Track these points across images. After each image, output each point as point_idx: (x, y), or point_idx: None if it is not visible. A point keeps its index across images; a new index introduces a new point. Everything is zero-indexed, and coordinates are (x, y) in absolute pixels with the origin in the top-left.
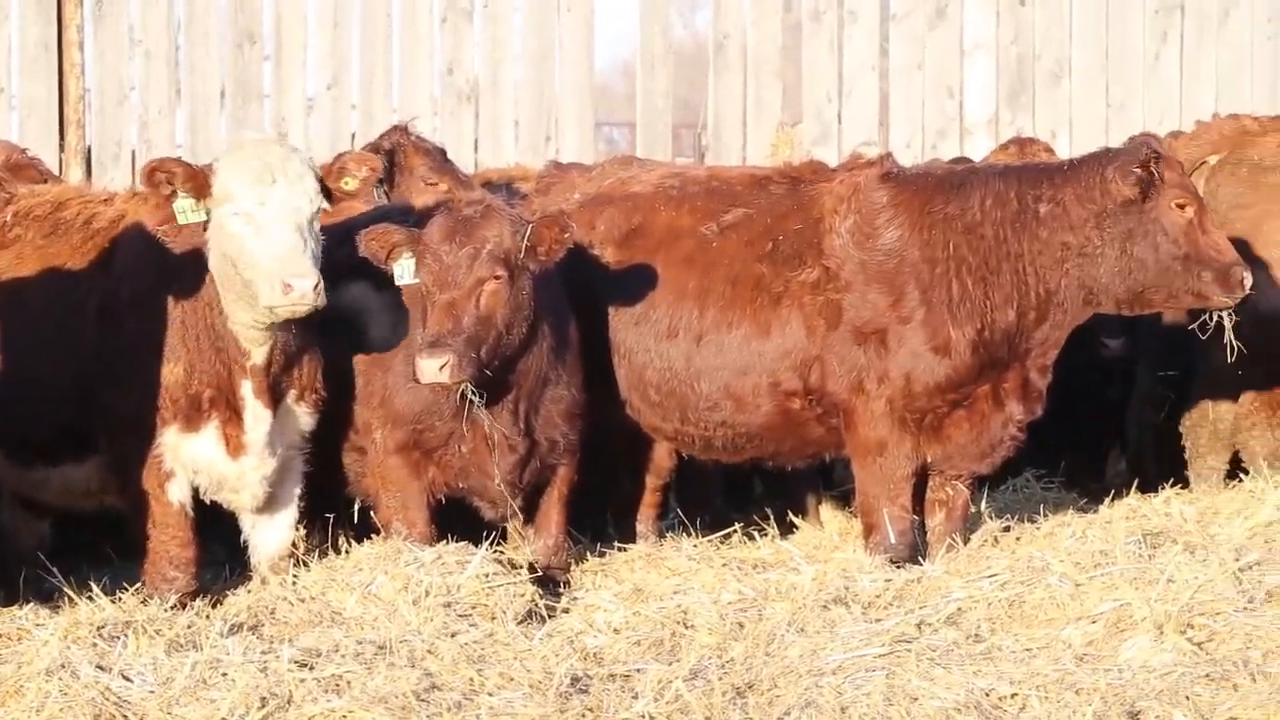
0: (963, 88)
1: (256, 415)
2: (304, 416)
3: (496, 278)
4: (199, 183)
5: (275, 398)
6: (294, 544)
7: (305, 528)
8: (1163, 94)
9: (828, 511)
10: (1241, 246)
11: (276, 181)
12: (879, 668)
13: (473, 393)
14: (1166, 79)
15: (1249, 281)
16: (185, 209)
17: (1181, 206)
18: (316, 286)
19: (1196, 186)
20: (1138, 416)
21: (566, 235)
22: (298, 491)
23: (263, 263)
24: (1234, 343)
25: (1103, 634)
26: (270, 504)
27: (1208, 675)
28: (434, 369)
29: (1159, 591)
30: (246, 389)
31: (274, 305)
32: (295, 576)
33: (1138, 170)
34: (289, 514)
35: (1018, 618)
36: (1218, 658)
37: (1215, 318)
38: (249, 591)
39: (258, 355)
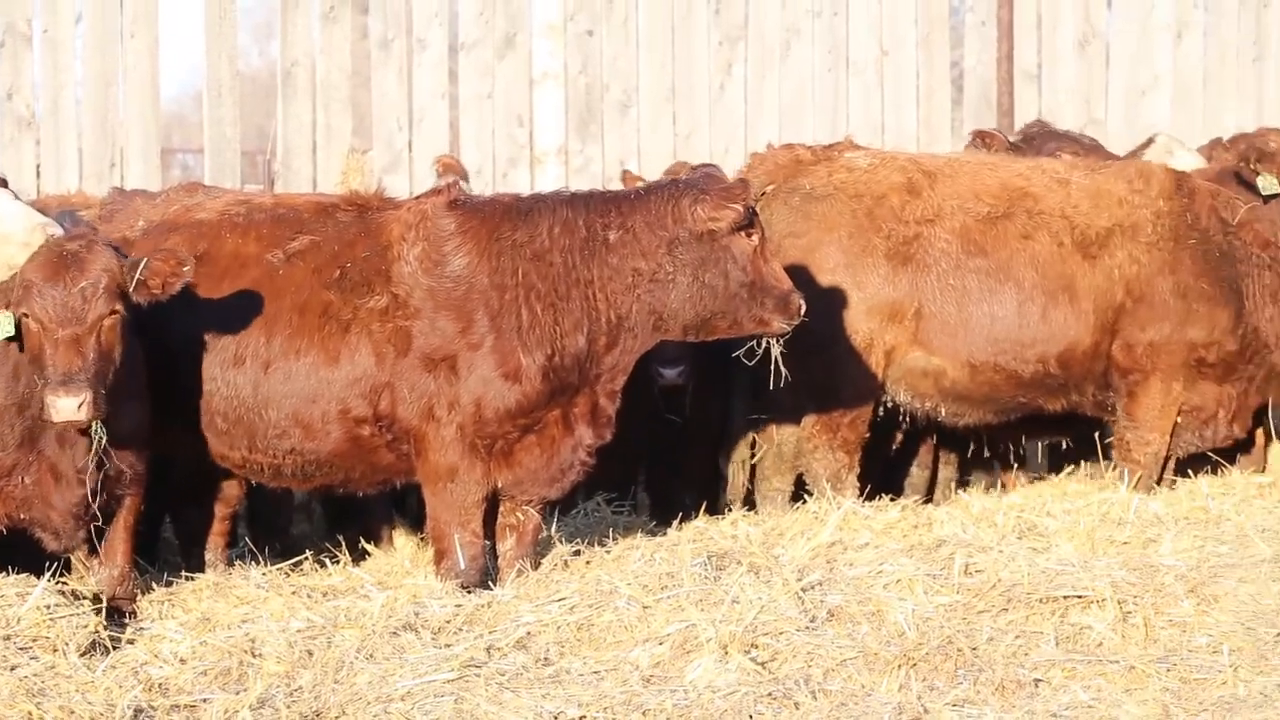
0: (532, 116)
1: None
2: None
3: (114, 312)
4: None
5: None
6: None
7: None
8: (728, 124)
9: (400, 537)
10: (796, 274)
11: None
12: (448, 693)
13: (100, 429)
14: (731, 109)
15: (804, 309)
16: None
17: (749, 235)
18: None
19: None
20: (728, 453)
21: (185, 269)
22: None
23: (19, 221)
24: (782, 369)
25: (669, 655)
26: None
27: (770, 694)
28: (72, 407)
29: (724, 612)
30: None
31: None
32: None
33: (738, 207)
34: None
35: (586, 640)
36: (780, 676)
37: (764, 344)
38: None
39: None
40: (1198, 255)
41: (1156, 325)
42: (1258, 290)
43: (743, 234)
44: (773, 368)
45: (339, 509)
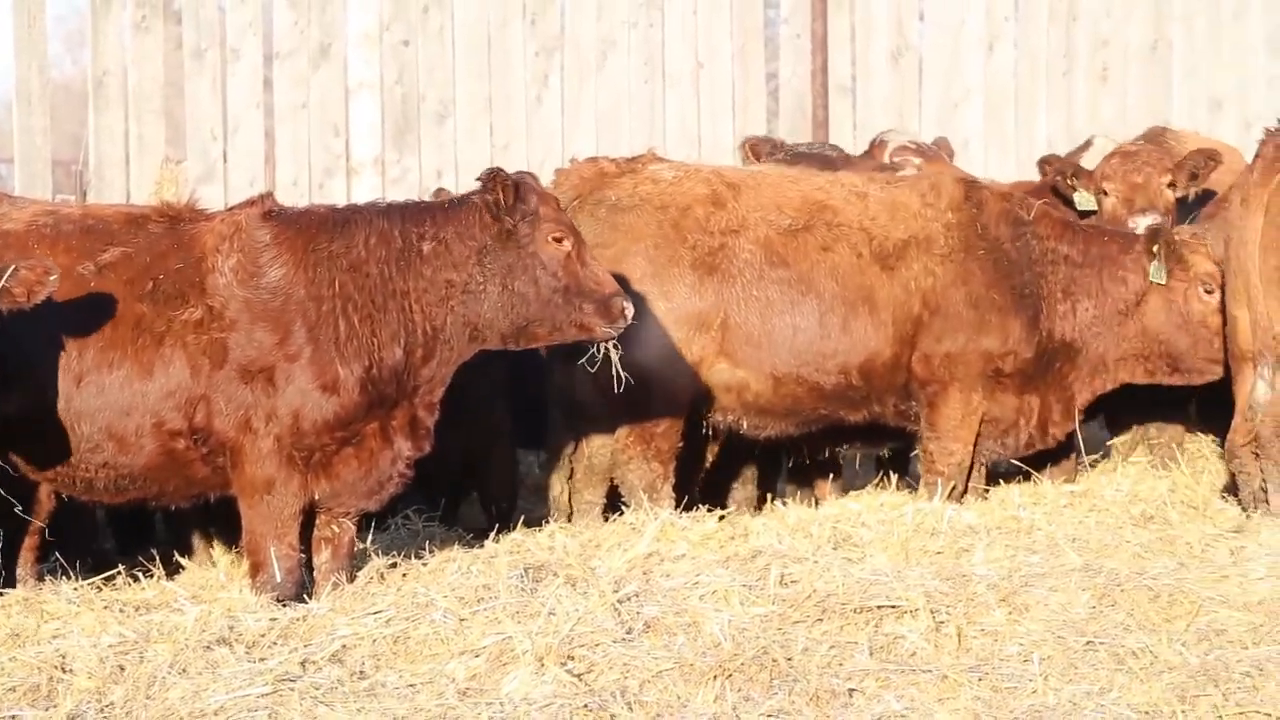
0: (348, 126)
1: None
2: None
3: None
4: None
5: None
6: None
7: None
8: (545, 134)
9: (217, 551)
10: None
11: None
12: (262, 707)
13: None
14: (548, 120)
15: (630, 311)
16: None
17: (559, 240)
18: None
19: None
20: (550, 466)
21: (51, 279)
22: None
23: None
24: (621, 373)
25: (485, 668)
26: None
27: (586, 706)
28: None
29: (540, 624)
30: None
31: None
32: None
33: (489, 196)
34: None
35: (402, 654)
36: (596, 688)
37: (602, 350)
38: None
39: None
40: (988, 265)
41: (951, 336)
42: (1051, 290)
43: (552, 240)
44: (613, 372)
45: (132, 525)
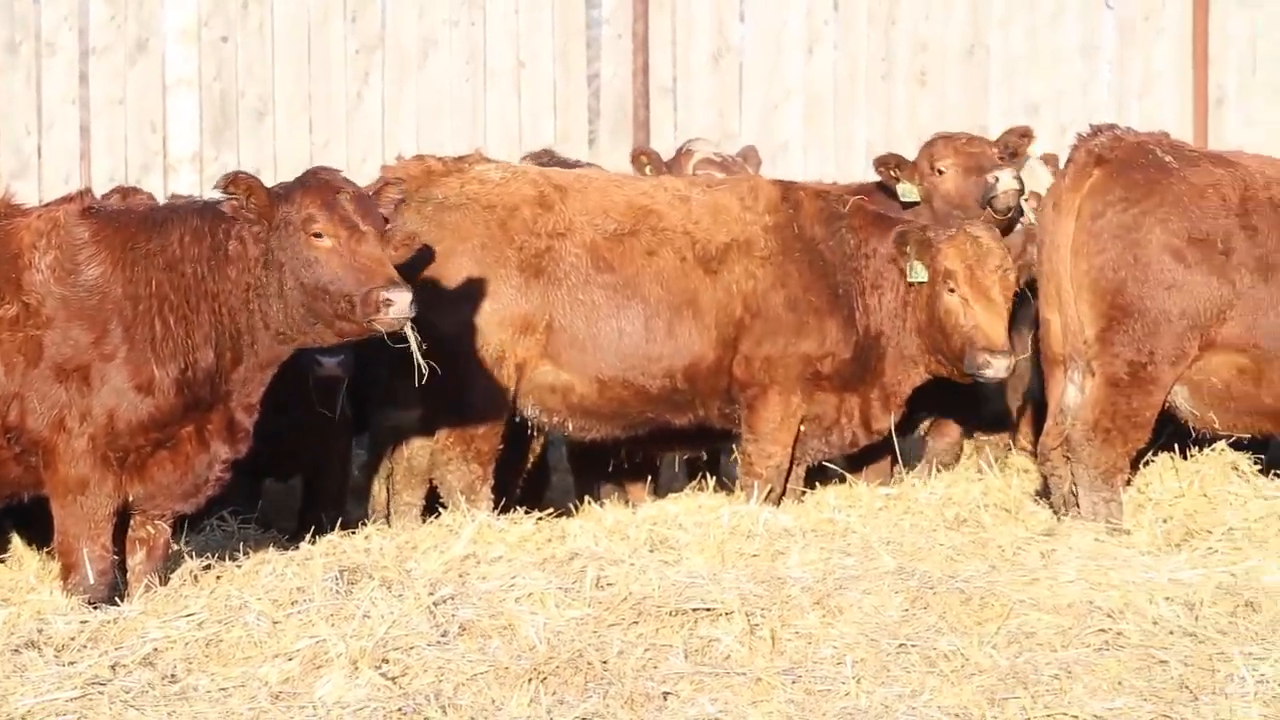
0: (166, 122)
1: None
2: None
3: None
4: None
5: None
6: None
7: None
8: (365, 133)
9: (28, 552)
10: (431, 284)
11: None
12: (70, 711)
13: None
14: (369, 118)
15: (398, 301)
16: None
17: (318, 236)
18: None
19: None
20: (371, 466)
21: None
22: None
23: None
24: (422, 365)
25: (299, 671)
26: None
27: (400, 709)
28: None
29: (354, 627)
30: None
31: None
32: None
33: (233, 201)
34: None
35: (215, 657)
36: (410, 691)
37: (412, 340)
38: None
39: None
40: (804, 267)
41: (771, 339)
42: (863, 285)
43: (312, 236)
44: (414, 363)
45: None
